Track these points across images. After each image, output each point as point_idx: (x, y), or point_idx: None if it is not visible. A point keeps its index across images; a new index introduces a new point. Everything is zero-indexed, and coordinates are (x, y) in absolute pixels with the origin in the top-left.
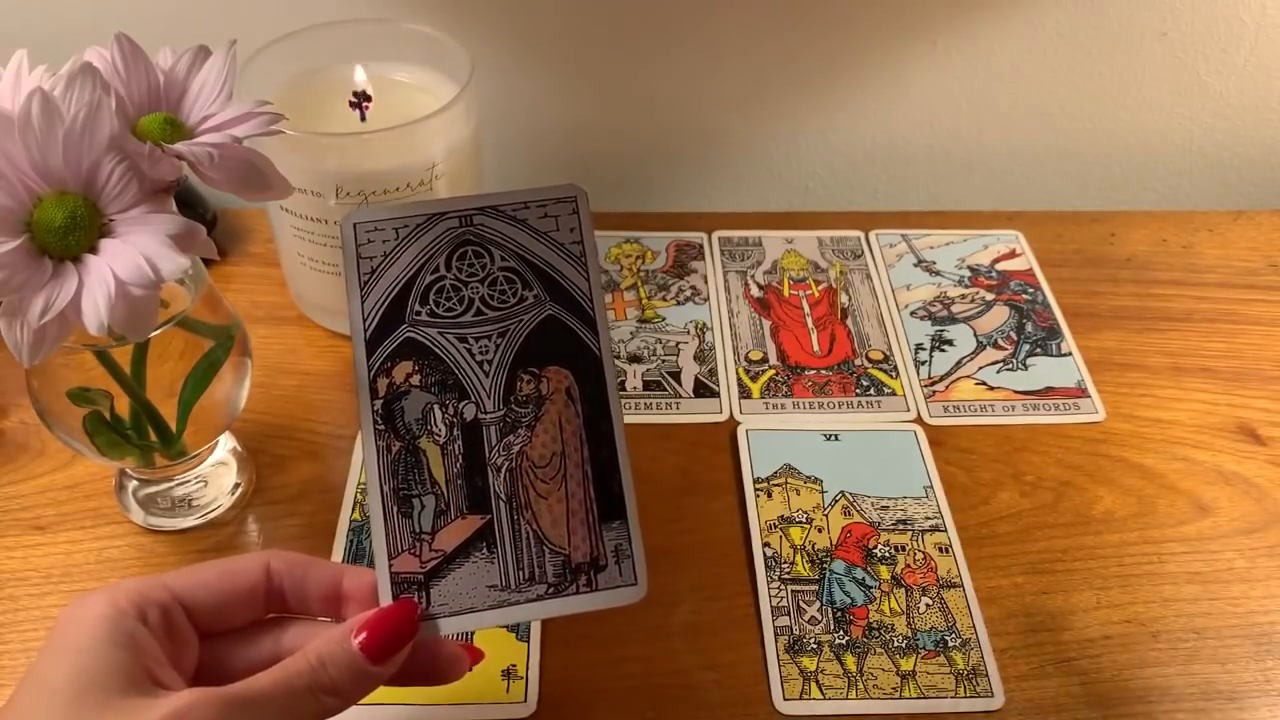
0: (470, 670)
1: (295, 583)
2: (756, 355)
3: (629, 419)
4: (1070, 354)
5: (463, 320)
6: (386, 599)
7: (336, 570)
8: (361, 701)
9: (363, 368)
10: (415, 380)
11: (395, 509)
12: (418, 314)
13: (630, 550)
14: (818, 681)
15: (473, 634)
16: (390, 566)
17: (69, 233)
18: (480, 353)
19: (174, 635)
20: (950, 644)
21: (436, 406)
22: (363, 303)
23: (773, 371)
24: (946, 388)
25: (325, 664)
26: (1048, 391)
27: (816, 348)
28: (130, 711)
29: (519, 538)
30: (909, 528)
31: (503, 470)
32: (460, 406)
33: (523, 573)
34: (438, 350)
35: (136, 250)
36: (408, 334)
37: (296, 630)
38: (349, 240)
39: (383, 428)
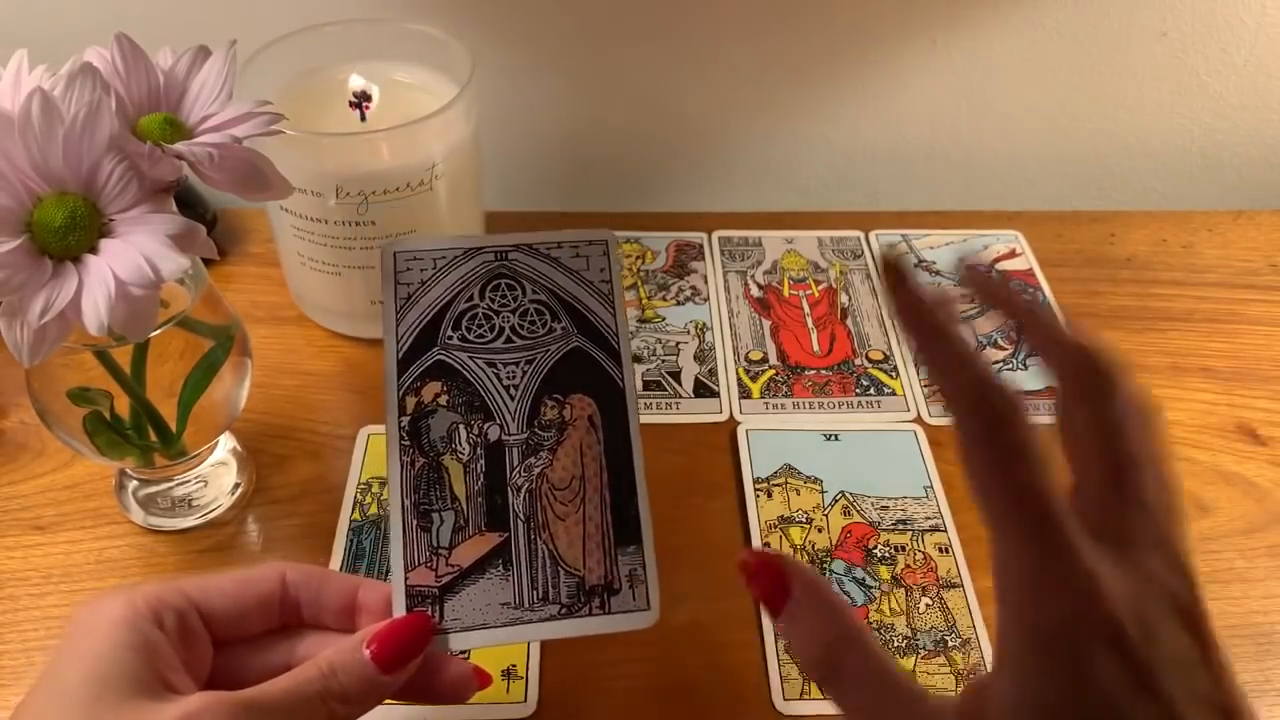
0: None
1: (310, 594)
2: (756, 355)
3: None
4: None
5: (493, 346)
6: (400, 611)
7: (352, 583)
8: None
9: (392, 385)
10: (443, 400)
11: (415, 523)
12: (449, 339)
13: (644, 575)
14: None
15: (469, 653)
16: (406, 579)
17: (69, 233)
18: (508, 378)
19: (189, 641)
20: (950, 644)
21: (462, 426)
22: (397, 324)
23: (773, 371)
24: None
25: (336, 671)
26: (1048, 391)
27: (816, 348)
28: (142, 715)
29: (535, 557)
30: (909, 528)
31: (523, 490)
32: (485, 427)
33: (537, 592)
34: (466, 373)
35: (136, 250)
36: (439, 356)
37: (310, 640)
38: (388, 268)
39: (408, 443)
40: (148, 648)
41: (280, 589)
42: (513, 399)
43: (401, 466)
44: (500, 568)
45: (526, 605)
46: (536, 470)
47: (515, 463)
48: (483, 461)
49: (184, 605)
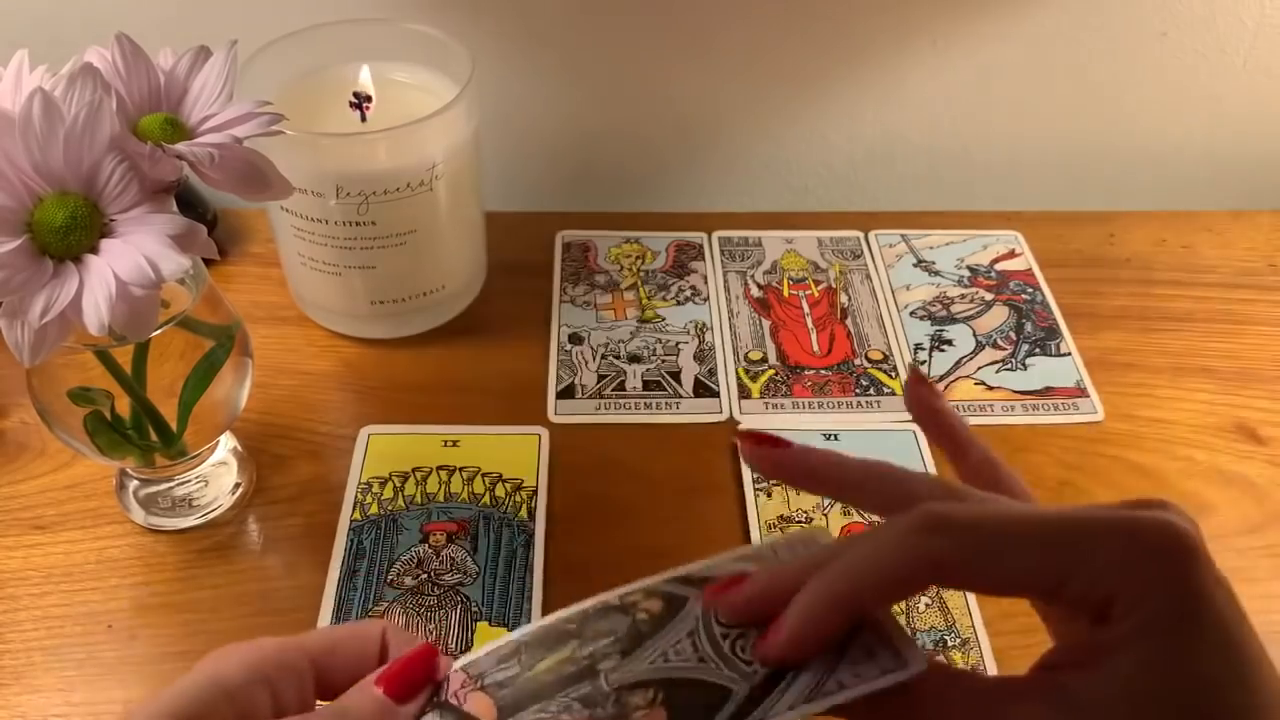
0: None
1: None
2: (756, 355)
3: (628, 419)
4: (1069, 354)
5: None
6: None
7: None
8: None
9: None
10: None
11: (505, 649)
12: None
13: None
14: None
15: None
16: (452, 665)
17: (70, 233)
18: (677, 653)
19: (301, 705)
20: (950, 644)
21: (660, 654)
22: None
23: (772, 371)
24: (946, 388)
25: (347, 709)
26: (1047, 391)
27: (816, 348)
28: None
29: None
30: None
31: None
32: (616, 653)
33: None
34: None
35: (137, 250)
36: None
37: None
38: None
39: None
40: (234, 694)
41: (381, 648)
42: (641, 661)
43: (575, 644)
44: None
45: None
46: None
47: (566, 692)
48: (573, 668)
49: (304, 665)
